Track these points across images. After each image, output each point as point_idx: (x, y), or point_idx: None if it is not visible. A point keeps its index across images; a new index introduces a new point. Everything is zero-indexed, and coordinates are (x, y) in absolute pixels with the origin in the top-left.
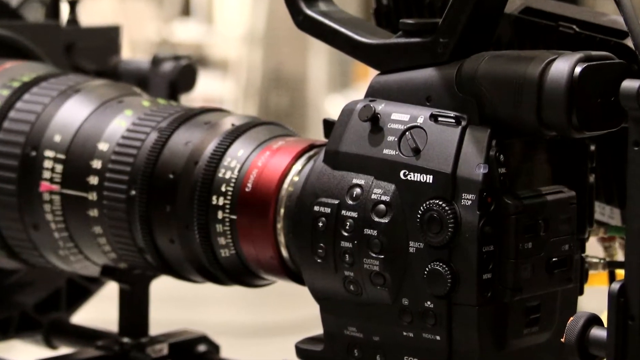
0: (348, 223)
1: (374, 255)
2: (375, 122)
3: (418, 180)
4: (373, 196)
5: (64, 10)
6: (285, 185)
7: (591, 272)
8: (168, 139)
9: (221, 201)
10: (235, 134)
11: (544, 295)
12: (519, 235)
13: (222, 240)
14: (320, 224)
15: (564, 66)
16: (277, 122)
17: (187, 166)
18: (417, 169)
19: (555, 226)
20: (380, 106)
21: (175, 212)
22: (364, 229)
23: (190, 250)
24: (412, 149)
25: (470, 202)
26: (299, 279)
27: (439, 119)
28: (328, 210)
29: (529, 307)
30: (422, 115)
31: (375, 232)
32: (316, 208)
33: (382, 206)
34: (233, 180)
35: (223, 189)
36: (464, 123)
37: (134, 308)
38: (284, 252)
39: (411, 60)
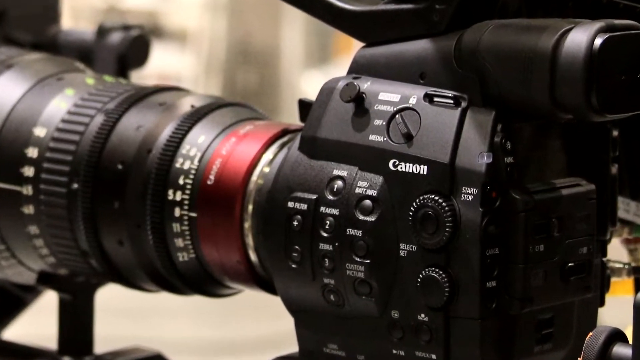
0: (328, 222)
1: (358, 259)
2: (359, 103)
3: (410, 171)
4: (357, 190)
5: None
6: (254, 177)
7: (613, 279)
8: (116, 123)
9: (179, 196)
10: (196, 117)
11: (558, 306)
12: (529, 236)
13: (179, 242)
14: (295, 223)
15: (581, 37)
16: (244, 103)
17: (138, 155)
18: (409, 158)
19: (571, 225)
20: (366, 84)
21: (125, 209)
22: (347, 229)
23: (143, 254)
24: (403, 135)
25: (471, 197)
26: (270, 288)
27: (435, 99)
28: (304, 206)
29: (540, 321)
30: (414, 94)
31: (359, 233)
32: (290, 204)
33: (367, 202)
34: (193, 172)
35: (181, 181)
36: (464, 104)
37: (76, 321)
38: (253, 256)
39: (402, 30)
